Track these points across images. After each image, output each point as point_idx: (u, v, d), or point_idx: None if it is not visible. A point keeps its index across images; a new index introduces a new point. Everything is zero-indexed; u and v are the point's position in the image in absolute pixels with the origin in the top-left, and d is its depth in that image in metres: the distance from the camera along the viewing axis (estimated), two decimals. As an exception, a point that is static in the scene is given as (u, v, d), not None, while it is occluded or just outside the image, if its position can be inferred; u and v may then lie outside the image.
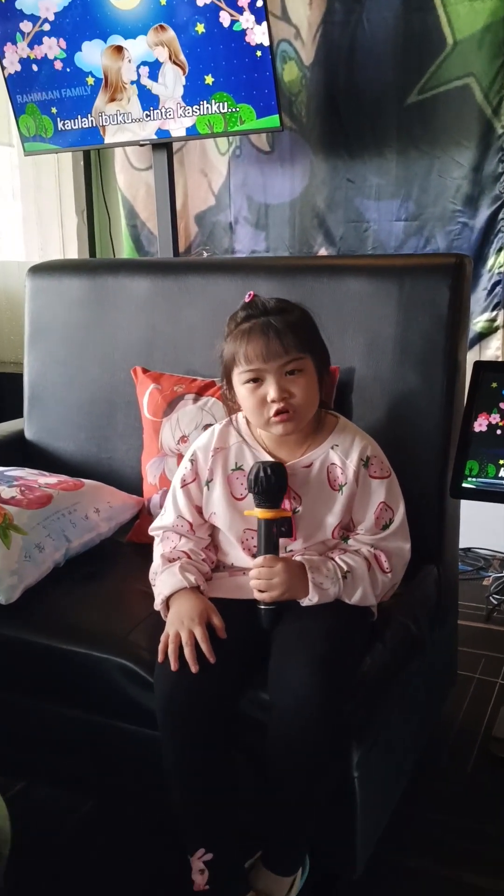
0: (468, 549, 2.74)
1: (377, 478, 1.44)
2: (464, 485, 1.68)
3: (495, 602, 2.47)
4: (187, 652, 1.29)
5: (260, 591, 1.34)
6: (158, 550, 1.49)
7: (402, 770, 1.57)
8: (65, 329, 2.04)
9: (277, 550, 1.38)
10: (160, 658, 1.32)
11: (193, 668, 1.28)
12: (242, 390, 1.40)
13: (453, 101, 2.60)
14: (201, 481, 1.49)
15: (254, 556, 1.42)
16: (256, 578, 1.34)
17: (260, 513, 1.37)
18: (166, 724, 1.29)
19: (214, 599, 1.40)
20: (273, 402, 1.36)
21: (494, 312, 2.68)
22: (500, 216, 2.62)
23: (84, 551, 1.71)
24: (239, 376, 1.40)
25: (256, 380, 1.38)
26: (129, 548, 1.79)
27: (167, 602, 1.39)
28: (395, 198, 2.74)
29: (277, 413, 1.36)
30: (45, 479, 1.75)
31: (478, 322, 2.67)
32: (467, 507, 1.85)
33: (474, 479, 1.67)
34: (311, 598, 1.33)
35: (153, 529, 1.54)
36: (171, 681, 1.29)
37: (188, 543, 1.48)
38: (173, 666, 1.29)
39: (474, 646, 2.22)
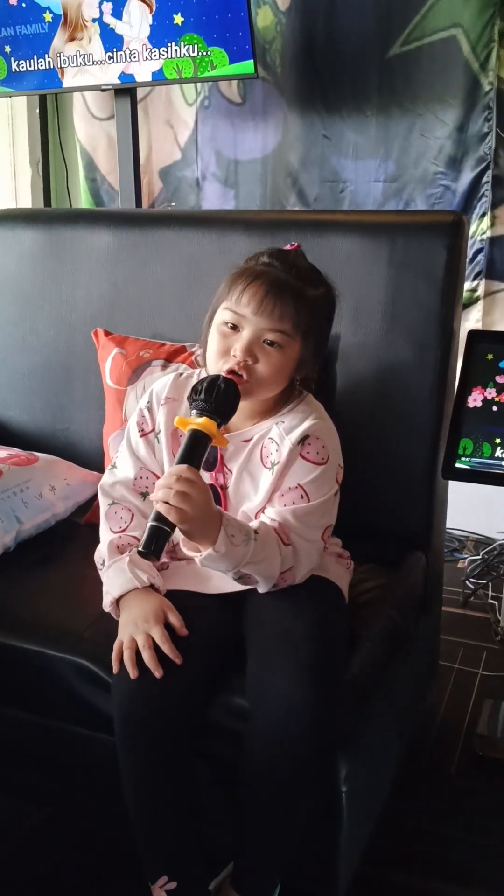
0: (443, 531, 2.62)
1: (307, 460, 1.25)
2: (457, 465, 1.54)
3: (472, 587, 2.35)
4: (146, 656, 1.13)
5: (165, 502, 1.08)
6: (106, 529, 1.32)
7: (386, 775, 1.44)
8: (16, 286, 1.84)
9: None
10: (115, 668, 1.16)
11: (157, 673, 1.12)
12: (215, 331, 1.25)
13: (438, 54, 2.44)
14: (155, 432, 1.34)
15: None
16: (166, 487, 1.09)
17: (205, 422, 1.14)
18: (126, 738, 1.13)
19: (174, 592, 1.25)
20: (234, 356, 1.21)
21: (476, 282, 2.55)
22: (485, 179, 2.48)
23: (37, 534, 1.54)
24: (221, 313, 1.24)
25: (234, 326, 1.22)
26: (87, 530, 1.61)
27: (117, 602, 1.23)
28: (374, 157, 2.59)
29: (230, 371, 1.21)
30: (-6, 453, 1.57)
31: (459, 292, 2.53)
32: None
33: (468, 459, 1.54)
34: (217, 550, 1.12)
35: (104, 487, 1.36)
36: (131, 690, 1.13)
37: (139, 524, 1.31)
38: (132, 674, 1.12)
39: (452, 633, 2.10)
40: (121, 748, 1.13)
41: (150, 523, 1.10)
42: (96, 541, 1.46)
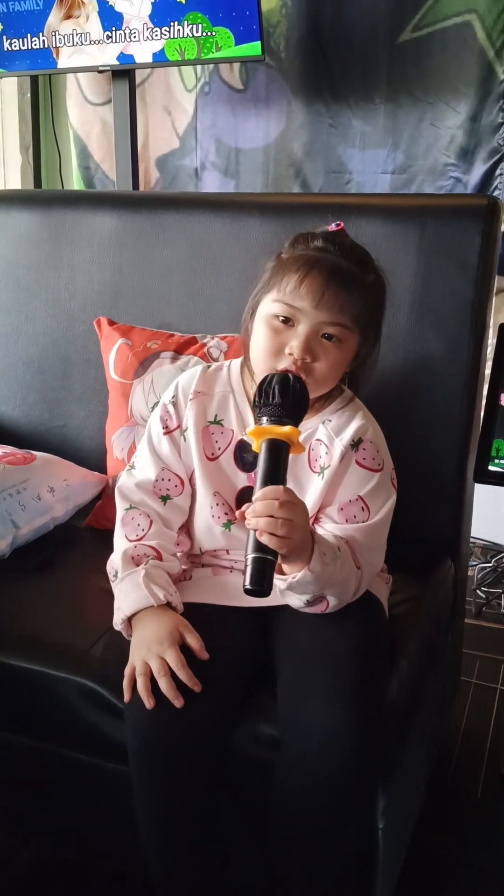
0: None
1: (364, 467, 1.15)
2: (490, 467, 1.43)
3: (484, 596, 2.25)
4: (163, 685, 1.00)
5: (267, 531, 0.95)
6: (121, 536, 1.19)
7: (417, 803, 1.33)
8: (11, 271, 1.71)
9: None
10: (126, 696, 1.03)
11: (177, 703, 0.99)
12: (263, 325, 1.12)
13: (452, 41, 2.33)
14: (181, 429, 1.22)
15: (227, 522, 1.17)
16: (267, 515, 0.95)
17: (290, 430, 1.00)
18: (143, 773, 1.00)
19: (195, 606, 1.12)
20: (290, 355, 1.09)
21: (488, 278, 2.44)
22: (498, 171, 2.38)
23: (35, 539, 1.41)
24: (270, 305, 1.12)
25: (287, 320, 1.10)
26: (87, 534, 1.49)
27: (129, 620, 1.10)
28: (382, 147, 2.48)
29: (286, 370, 1.09)
30: (-13, 450, 1.44)
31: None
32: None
33: (502, 461, 1.43)
34: (313, 570, 1.01)
35: (122, 489, 1.23)
36: (147, 721, 1.00)
37: (158, 532, 1.19)
38: (147, 703, 0.99)
39: (467, 646, 1.98)
40: (136, 784, 1.00)
41: (251, 556, 0.95)
42: (99, 546, 1.34)
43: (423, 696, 1.21)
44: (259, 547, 0.95)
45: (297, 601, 1.07)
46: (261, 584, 0.94)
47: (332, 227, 1.16)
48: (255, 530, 0.95)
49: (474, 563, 2.44)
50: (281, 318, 1.10)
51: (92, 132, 2.80)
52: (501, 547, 2.49)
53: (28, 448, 1.56)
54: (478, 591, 2.28)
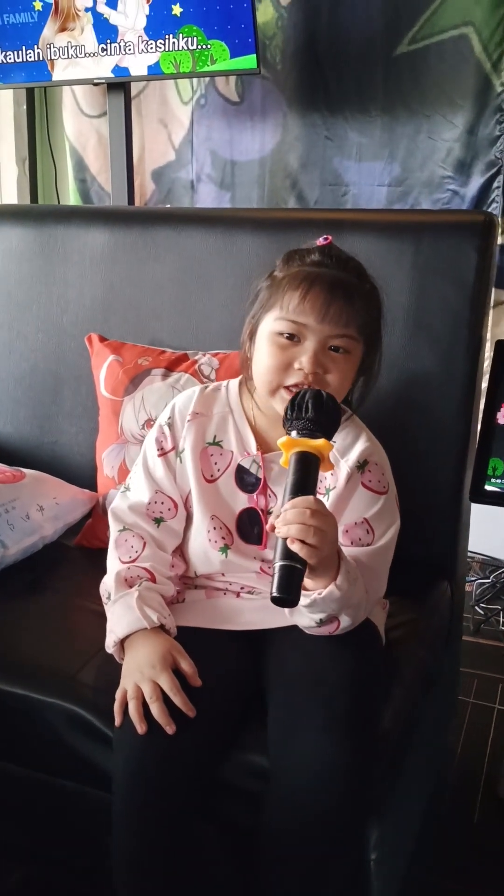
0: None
1: (370, 489, 1.14)
2: (486, 487, 1.41)
3: (483, 613, 2.22)
4: (156, 710, 0.98)
5: (301, 540, 0.94)
6: (114, 558, 1.17)
7: (412, 832, 1.30)
8: (2, 286, 1.69)
9: None
10: (117, 720, 1.01)
11: (169, 729, 0.97)
12: (267, 343, 1.11)
13: (448, 53, 2.33)
14: (177, 450, 1.21)
15: (224, 547, 1.15)
16: (301, 522, 0.94)
17: (323, 443, 0.99)
18: (131, 802, 0.97)
19: (187, 630, 1.10)
20: (300, 370, 1.08)
21: (485, 292, 2.42)
22: (495, 184, 2.36)
23: (24, 558, 1.38)
24: (273, 323, 1.11)
25: (293, 336, 1.09)
26: (77, 554, 1.47)
27: (122, 643, 1.08)
28: (379, 159, 2.47)
29: (297, 385, 1.08)
30: (-25, 469, 1.42)
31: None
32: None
33: (499, 481, 1.41)
34: (339, 586, 0.99)
35: (116, 511, 1.22)
36: (139, 748, 0.97)
37: (152, 554, 1.17)
38: (140, 728, 0.97)
39: (465, 664, 1.96)
40: (120, 809, 0.97)
41: (280, 563, 0.93)
42: (88, 566, 1.32)
43: (417, 723, 1.19)
44: (288, 555, 0.94)
45: (308, 620, 1.04)
46: (289, 592, 0.93)
47: (321, 240, 1.15)
48: (286, 538, 0.94)
49: (472, 579, 2.42)
50: (286, 335, 1.09)
51: (88, 144, 2.79)
52: (500, 562, 2.46)
53: (18, 464, 1.54)
54: (476, 607, 2.25)
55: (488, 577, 2.38)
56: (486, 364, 1.49)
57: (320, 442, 0.99)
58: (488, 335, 1.49)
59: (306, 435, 1.00)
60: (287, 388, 1.09)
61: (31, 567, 1.39)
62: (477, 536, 2.47)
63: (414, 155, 2.43)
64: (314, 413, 1.00)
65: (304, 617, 1.04)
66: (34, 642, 1.22)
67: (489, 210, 2.38)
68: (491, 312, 1.48)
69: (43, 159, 2.90)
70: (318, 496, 1.12)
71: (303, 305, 1.07)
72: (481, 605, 2.25)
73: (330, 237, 1.16)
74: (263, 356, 1.11)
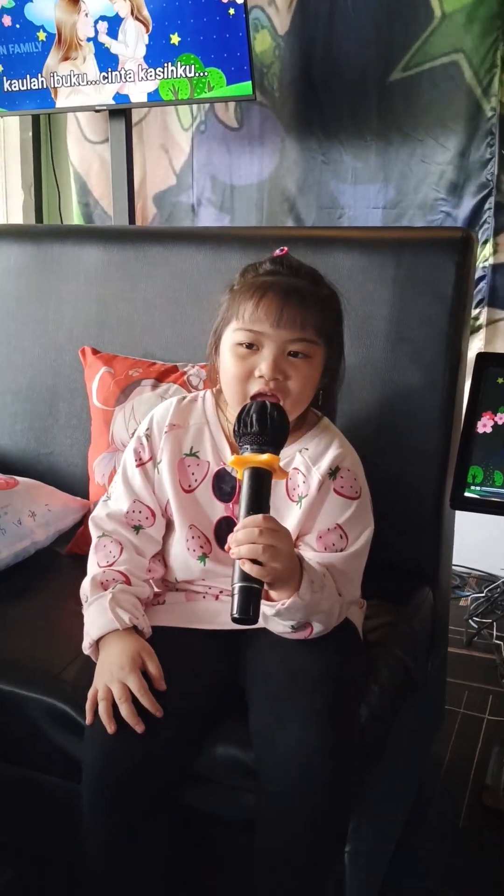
0: (444, 567, 2.51)
1: (342, 495, 1.16)
2: (466, 494, 1.44)
3: (476, 626, 2.24)
4: (124, 710, 1.01)
5: (250, 559, 0.95)
6: (93, 562, 1.21)
7: (392, 832, 1.32)
8: (1, 303, 1.75)
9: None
10: (88, 718, 1.04)
11: (138, 728, 1.00)
12: (229, 354, 1.13)
13: (440, 80, 2.39)
14: (155, 461, 1.23)
15: (203, 556, 1.17)
16: (250, 542, 0.95)
17: (269, 458, 1.00)
18: (98, 799, 1.00)
19: (167, 630, 1.14)
20: (261, 377, 1.10)
21: (478, 309, 2.46)
22: (487, 206, 2.42)
23: (15, 563, 1.43)
24: (232, 334, 1.13)
25: (251, 345, 1.11)
26: (69, 561, 1.50)
27: (97, 643, 1.12)
28: (374, 183, 2.52)
29: (260, 394, 1.10)
30: (-29, 476, 1.46)
31: (460, 320, 2.45)
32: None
33: (478, 488, 1.44)
34: (302, 597, 1.01)
35: (95, 520, 1.25)
36: (108, 746, 1.01)
37: (129, 559, 1.20)
38: (109, 728, 1.00)
39: (456, 675, 1.98)
40: (89, 804, 1.01)
41: (237, 585, 0.96)
42: (79, 572, 1.35)
43: (395, 721, 1.21)
44: (244, 576, 0.96)
45: (281, 627, 1.08)
46: (247, 612, 0.95)
47: (277, 252, 1.18)
48: (239, 559, 0.96)
49: (467, 594, 2.44)
50: (245, 345, 1.11)
51: (91, 170, 2.87)
52: (495, 577, 2.49)
53: (15, 475, 1.59)
54: (470, 620, 2.27)
55: (483, 592, 2.40)
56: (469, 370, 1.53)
57: (266, 457, 1.00)
58: (468, 348, 1.53)
59: (255, 450, 1.02)
60: (252, 397, 1.11)
61: (23, 572, 1.43)
62: (473, 552, 2.51)
63: (408, 178, 2.49)
64: (258, 427, 1.02)
65: (277, 625, 1.07)
66: (21, 643, 1.26)
67: (481, 230, 2.43)
68: (484, 330, 1.52)
69: (48, 184, 2.98)
70: (292, 504, 1.17)
71: (257, 313, 1.10)
72: (475, 618, 2.27)
73: (286, 248, 1.19)
74: (227, 367, 1.14)
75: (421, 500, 1.45)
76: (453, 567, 2.50)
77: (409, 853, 1.41)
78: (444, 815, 1.55)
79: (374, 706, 1.12)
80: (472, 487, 1.44)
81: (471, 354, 2.00)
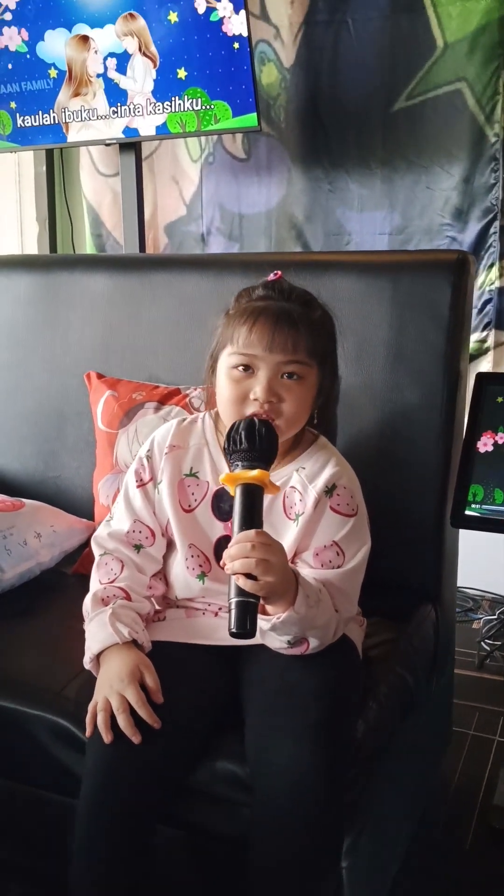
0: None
1: (338, 512, 1.18)
2: (467, 512, 1.45)
3: (488, 648, 2.23)
4: (121, 721, 1.03)
5: (245, 574, 0.97)
6: (95, 580, 1.24)
7: (394, 850, 1.32)
8: (10, 330, 1.79)
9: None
10: (88, 730, 1.06)
11: (134, 739, 1.01)
12: (224, 378, 1.16)
13: (443, 108, 2.43)
14: (155, 482, 1.25)
15: (202, 574, 1.19)
16: (244, 556, 0.97)
17: (259, 473, 1.02)
18: (93, 807, 1.01)
19: (167, 644, 1.15)
20: (256, 400, 1.13)
21: (485, 332, 2.48)
22: (492, 230, 2.44)
23: (20, 584, 1.45)
24: (227, 358, 1.16)
25: (247, 368, 1.14)
26: (75, 581, 1.52)
27: (98, 658, 1.14)
28: (380, 209, 2.56)
29: (255, 415, 1.12)
30: (-21, 499, 1.49)
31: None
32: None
33: (479, 507, 1.45)
34: (297, 611, 1.02)
35: (97, 539, 1.27)
36: (106, 757, 1.02)
37: (130, 576, 1.22)
38: (106, 738, 1.02)
39: (467, 697, 1.97)
40: (84, 813, 1.02)
41: (234, 600, 0.98)
42: (84, 592, 1.37)
43: (393, 739, 1.21)
44: (240, 591, 0.98)
45: (278, 643, 1.09)
46: (244, 626, 0.97)
47: (271, 276, 1.21)
48: (233, 574, 0.98)
49: (480, 616, 2.43)
50: (240, 368, 1.14)
51: (104, 202, 2.93)
52: (507, 599, 2.48)
53: (25, 498, 1.62)
54: (482, 643, 2.26)
55: (495, 615, 2.40)
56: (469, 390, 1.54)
57: (256, 473, 1.03)
58: (467, 368, 1.55)
59: (246, 467, 1.04)
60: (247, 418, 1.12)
61: (29, 592, 1.46)
62: (487, 575, 2.51)
63: (413, 204, 2.52)
64: (247, 444, 1.05)
65: (273, 640, 1.09)
66: (24, 661, 1.28)
67: (486, 254, 2.45)
68: (492, 353, 1.53)
69: (61, 217, 3.04)
70: (289, 521, 1.18)
71: (250, 338, 1.12)
72: (486, 641, 2.26)
73: (280, 273, 1.22)
74: (223, 390, 1.16)
75: (422, 519, 1.46)
76: (467, 589, 2.51)
77: (414, 872, 1.40)
78: (450, 835, 1.54)
79: (372, 722, 1.13)
80: (473, 506, 1.45)
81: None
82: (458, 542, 1.59)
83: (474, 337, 2.47)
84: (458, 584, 2.46)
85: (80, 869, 1.01)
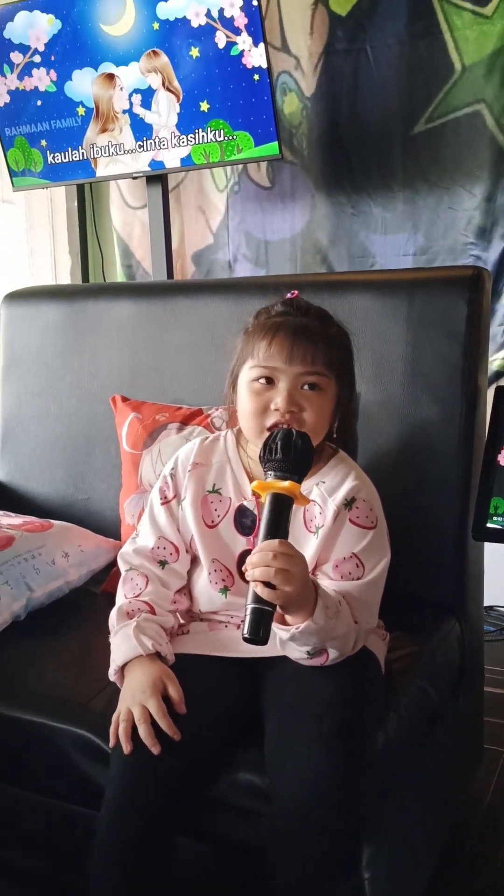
0: (490, 608, 2.48)
1: (358, 525, 1.19)
2: (488, 525, 1.45)
3: (522, 666, 2.21)
4: (142, 731, 1.05)
5: (264, 582, 0.99)
6: (120, 594, 1.27)
7: (421, 865, 1.31)
8: (40, 358, 1.85)
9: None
10: (111, 741, 1.08)
11: (154, 749, 1.04)
12: (246, 391, 1.20)
13: (463, 129, 2.46)
14: (179, 499, 1.29)
15: (224, 588, 1.21)
16: (264, 565, 1.00)
17: (290, 485, 1.04)
18: (114, 815, 1.03)
19: (190, 657, 1.18)
20: (277, 410, 1.16)
21: (509, 350, 2.49)
22: (516, 248, 2.45)
23: (49, 602, 1.49)
24: (248, 372, 1.20)
25: (268, 380, 1.18)
26: (103, 600, 1.55)
27: (122, 670, 1.16)
28: (403, 231, 2.59)
29: (277, 425, 1.15)
30: (9, 521, 1.54)
31: (494, 360, 2.48)
32: (486, 560, 1.62)
33: (500, 519, 1.45)
34: (316, 621, 1.04)
35: (123, 555, 1.31)
36: (127, 767, 1.05)
37: (154, 590, 1.25)
38: (125, 748, 1.05)
39: (500, 715, 1.96)
40: (104, 824, 1.04)
41: (250, 606, 1.00)
42: (111, 610, 1.40)
43: (417, 752, 1.22)
44: (257, 598, 1.00)
45: (297, 653, 1.11)
46: (257, 633, 0.99)
47: (288, 295, 1.25)
48: (253, 581, 1.00)
49: (515, 635, 2.41)
50: (261, 381, 1.18)
51: (133, 233, 3.00)
52: (544, 618, 2.45)
53: (56, 519, 1.66)
54: (517, 661, 2.24)
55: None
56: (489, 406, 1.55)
57: (287, 484, 1.05)
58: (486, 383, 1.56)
59: (279, 476, 1.06)
60: (269, 429, 1.16)
61: (58, 611, 1.49)
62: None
63: (436, 225, 2.54)
64: (282, 454, 1.07)
65: (293, 650, 1.11)
66: (53, 677, 1.30)
67: (513, 272, 2.46)
68: (487, 362, 1.55)
69: (93, 248, 3.12)
70: (309, 534, 1.20)
71: (270, 351, 1.17)
72: (521, 659, 2.24)
73: (296, 292, 1.26)
74: (244, 403, 1.20)
75: (443, 533, 1.46)
76: (501, 608, 2.49)
77: (445, 887, 1.39)
78: (482, 852, 1.52)
79: (391, 733, 1.13)
80: (495, 518, 1.45)
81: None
82: (482, 557, 1.59)
83: (500, 355, 2.47)
84: (492, 602, 2.45)
85: (98, 873, 1.03)
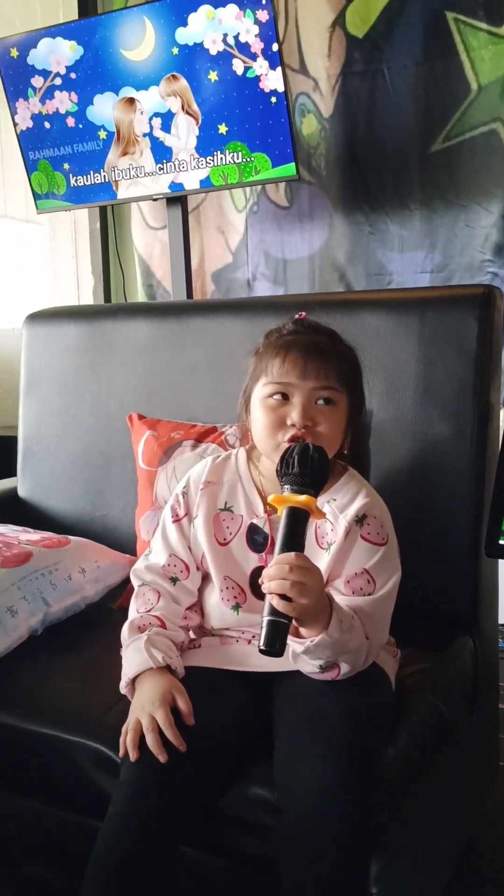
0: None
1: (369, 541, 1.21)
2: (501, 542, 1.46)
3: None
4: (149, 740, 1.07)
5: (280, 594, 1.01)
6: (132, 609, 1.29)
7: (433, 881, 1.31)
8: (60, 377, 1.89)
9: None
10: (121, 751, 1.10)
11: (161, 758, 1.05)
12: (260, 407, 1.23)
13: (480, 148, 2.47)
14: (191, 517, 1.31)
15: (236, 605, 1.23)
16: (280, 578, 1.01)
17: (307, 499, 1.05)
18: (119, 821, 1.04)
19: (202, 670, 1.19)
20: (293, 426, 1.18)
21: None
22: (534, 265, 2.46)
23: (66, 617, 1.51)
24: (262, 389, 1.23)
25: (283, 396, 1.21)
26: (119, 615, 1.56)
27: (133, 683, 1.18)
28: (420, 249, 2.60)
29: (293, 438, 1.17)
30: (28, 536, 1.57)
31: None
32: (502, 576, 1.62)
33: (513, 535, 1.45)
34: (331, 635, 1.06)
35: (136, 571, 1.33)
36: (135, 775, 1.06)
37: (165, 606, 1.27)
38: (132, 756, 1.07)
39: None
40: (105, 831, 1.05)
41: (266, 618, 1.01)
42: (127, 625, 1.42)
43: (429, 768, 1.22)
44: (273, 610, 1.02)
45: (309, 667, 1.12)
46: (273, 645, 1.01)
47: (297, 316, 1.28)
48: (269, 594, 1.02)
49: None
50: (276, 397, 1.21)
51: (153, 253, 3.05)
52: None
53: (75, 536, 1.68)
54: (536, 679, 2.22)
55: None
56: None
57: (303, 498, 1.06)
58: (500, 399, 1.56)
59: (295, 490, 1.08)
60: (286, 443, 1.18)
61: (75, 626, 1.51)
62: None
63: (453, 242, 2.55)
64: (299, 468, 1.08)
65: (306, 664, 1.12)
66: (68, 691, 1.33)
67: (529, 289, 2.47)
68: (500, 380, 1.55)
69: (114, 269, 3.17)
70: (321, 551, 1.22)
71: (284, 367, 1.20)
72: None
73: (304, 313, 1.29)
74: (259, 419, 1.22)
75: (456, 550, 1.47)
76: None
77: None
78: (498, 870, 1.51)
79: (401, 748, 1.14)
80: (507, 535, 1.46)
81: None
82: (496, 573, 1.59)
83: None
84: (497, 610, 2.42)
85: (91, 875, 1.04)
